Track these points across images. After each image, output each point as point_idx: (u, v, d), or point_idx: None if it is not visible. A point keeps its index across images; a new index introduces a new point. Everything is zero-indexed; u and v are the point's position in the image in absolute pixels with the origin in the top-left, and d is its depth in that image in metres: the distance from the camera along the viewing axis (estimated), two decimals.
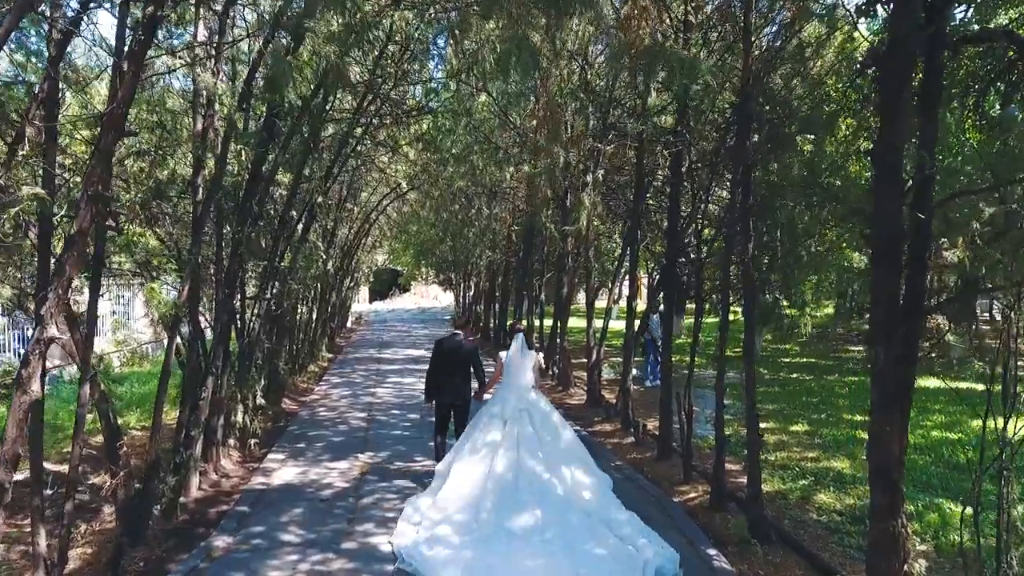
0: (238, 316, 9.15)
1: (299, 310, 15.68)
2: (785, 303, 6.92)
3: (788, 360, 19.07)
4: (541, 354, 8.05)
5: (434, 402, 7.53)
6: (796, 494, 7.08)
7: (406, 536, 5.60)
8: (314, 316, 16.89)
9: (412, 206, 22.09)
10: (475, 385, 7.52)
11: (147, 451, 5.93)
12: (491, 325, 23.67)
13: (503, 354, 7.04)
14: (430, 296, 51.22)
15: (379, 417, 10.98)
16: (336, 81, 5.59)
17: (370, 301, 53.16)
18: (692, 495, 7.21)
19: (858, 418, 10.84)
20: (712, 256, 7.07)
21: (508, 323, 18.04)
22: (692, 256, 7.80)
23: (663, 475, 7.85)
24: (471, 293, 31.69)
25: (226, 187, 6.76)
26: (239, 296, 8.84)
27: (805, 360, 18.79)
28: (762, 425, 10.68)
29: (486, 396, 7.23)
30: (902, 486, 4.04)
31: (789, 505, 6.79)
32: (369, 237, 24.80)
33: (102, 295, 14.15)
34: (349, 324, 31.54)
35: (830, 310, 33.60)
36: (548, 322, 16.49)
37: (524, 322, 17.78)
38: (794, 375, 16.06)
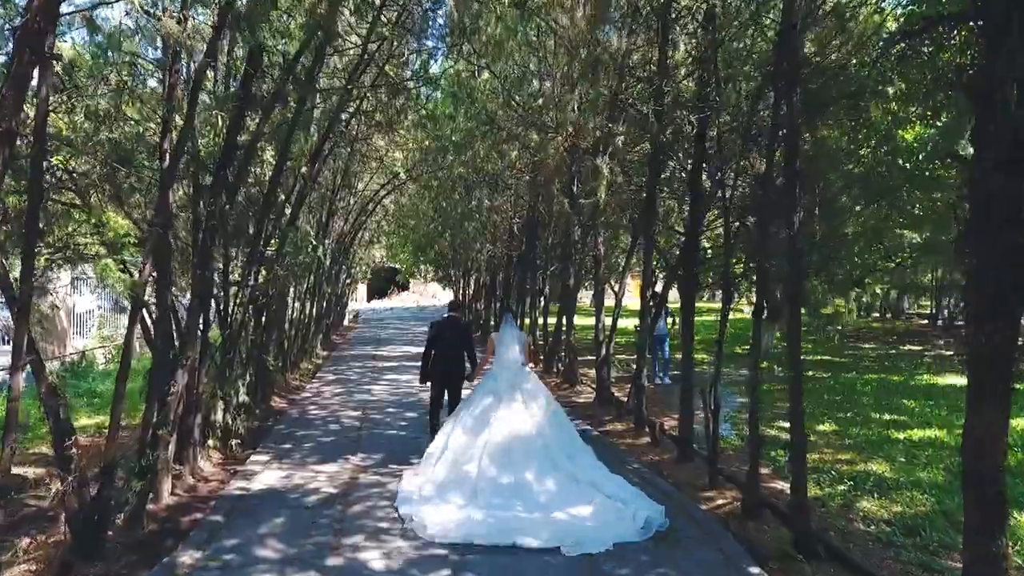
0: (221, 305, 8.44)
1: (292, 304, 14.96)
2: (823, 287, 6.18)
3: (801, 357, 18.32)
4: (529, 336, 8.60)
5: (430, 382, 8.05)
6: (837, 501, 6.35)
7: (408, 498, 6.02)
8: (307, 310, 16.15)
9: (411, 197, 21.36)
10: (469, 366, 8.02)
11: (103, 453, 5.18)
12: (492, 322, 22.91)
13: (494, 335, 7.50)
14: (429, 294, 50.45)
15: (374, 416, 10.24)
16: (321, 24, 4.85)
17: (368, 300, 52.40)
18: (719, 502, 6.47)
19: (887, 417, 10.14)
20: (742, 235, 6.32)
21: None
22: (720, 234, 7.03)
23: (685, 479, 7.12)
24: (471, 290, 30.89)
25: (201, 158, 6.02)
26: (220, 281, 8.12)
27: (819, 358, 18.06)
28: (784, 425, 10.00)
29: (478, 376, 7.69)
30: (1006, 497, 3.31)
31: (830, 514, 6.06)
32: (366, 232, 24.07)
33: (75, 284, 13.26)
34: (346, 322, 30.77)
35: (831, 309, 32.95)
36: (552, 320, 15.67)
37: (527, 319, 17.06)
38: (810, 372, 15.31)
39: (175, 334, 6.78)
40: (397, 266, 43.89)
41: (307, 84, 6.41)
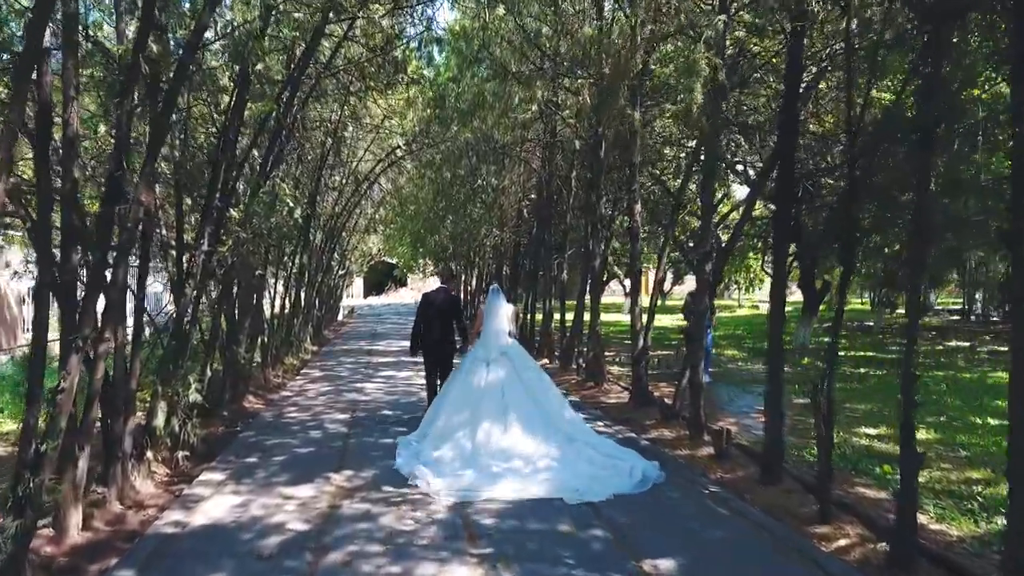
0: (173, 278, 6.64)
1: (274, 286, 13.13)
2: None
3: (843, 354, 16.58)
4: (515, 306, 8.68)
5: (421, 354, 8.10)
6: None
7: (407, 462, 6.10)
8: (292, 296, 14.29)
9: (409, 179, 19.54)
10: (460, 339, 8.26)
11: None
12: None
13: (482, 306, 7.67)
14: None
15: (365, 420, 8.39)
16: None
17: (365, 296, 50.67)
18: (841, 542, 4.64)
19: (992, 422, 8.32)
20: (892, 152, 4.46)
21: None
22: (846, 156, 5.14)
23: (780, 507, 5.29)
24: (473, 286, 28.93)
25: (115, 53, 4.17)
26: (175, 245, 6.32)
27: (861, 354, 16.29)
28: (869, 431, 8.20)
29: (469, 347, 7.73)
30: None
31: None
32: (362, 217, 22.21)
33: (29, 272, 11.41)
34: (340, 317, 28.92)
35: (858, 306, 31.31)
36: (570, 316, 13.78)
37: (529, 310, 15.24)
38: (861, 369, 13.56)
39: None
40: (395, 261, 42.10)
41: None
